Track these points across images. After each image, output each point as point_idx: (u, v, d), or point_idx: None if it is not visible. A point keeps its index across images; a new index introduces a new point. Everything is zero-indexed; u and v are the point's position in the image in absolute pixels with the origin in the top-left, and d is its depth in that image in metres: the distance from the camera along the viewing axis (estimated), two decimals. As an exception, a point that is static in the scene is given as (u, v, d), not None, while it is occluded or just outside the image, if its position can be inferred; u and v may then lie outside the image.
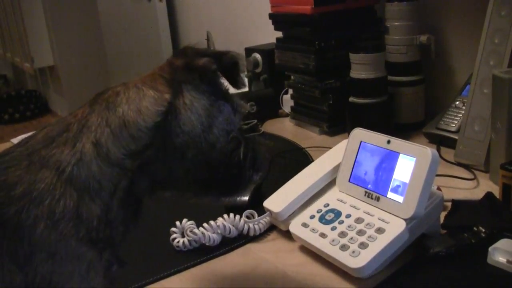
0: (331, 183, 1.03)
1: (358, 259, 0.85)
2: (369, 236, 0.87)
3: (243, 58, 0.74)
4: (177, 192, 0.75)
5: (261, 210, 1.05)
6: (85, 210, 0.61)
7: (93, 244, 0.62)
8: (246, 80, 1.97)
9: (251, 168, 0.76)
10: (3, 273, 0.57)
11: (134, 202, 0.69)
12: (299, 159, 1.39)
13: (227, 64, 0.73)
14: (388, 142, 0.93)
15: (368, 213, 0.91)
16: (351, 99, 1.45)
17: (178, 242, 1.00)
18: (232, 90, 0.76)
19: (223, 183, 0.74)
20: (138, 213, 0.71)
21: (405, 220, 0.86)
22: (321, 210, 0.98)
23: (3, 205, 0.58)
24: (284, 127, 1.71)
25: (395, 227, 0.86)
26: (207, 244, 0.99)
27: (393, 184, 0.90)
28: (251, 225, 1.03)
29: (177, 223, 1.03)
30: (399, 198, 0.88)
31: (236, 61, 0.74)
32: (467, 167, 1.24)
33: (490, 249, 0.86)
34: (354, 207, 0.94)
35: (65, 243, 0.59)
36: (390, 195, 0.90)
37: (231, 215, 1.03)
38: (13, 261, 0.57)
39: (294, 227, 0.98)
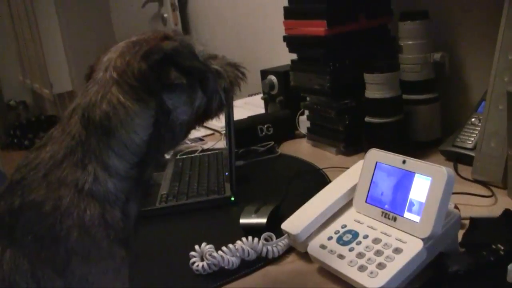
0: (348, 204, 1.03)
1: (376, 280, 0.85)
2: (387, 257, 0.87)
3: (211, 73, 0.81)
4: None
5: (279, 233, 1.06)
6: (109, 216, 0.68)
7: (122, 244, 0.69)
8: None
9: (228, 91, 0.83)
10: (44, 281, 0.63)
11: (142, 187, 0.76)
12: (317, 180, 1.39)
13: (199, 77, 0.78)
14: (404, 162, 0.93)
15: (385, 233, 0.92)
16: (367, 118, 1.46)
17: (198, 265, 1.01)
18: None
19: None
20: (146, 196, 0.79)
21: (422, 239, 0.87)
22: (339, 231, 0.98)
23: (38, 221, 0.65)
24: (301, 148, 1.71)
25: (413, 247, 0.87)
26: (226, 267, 1.00)
27: (409, 204, 0.90)
28: (269, 247, 1.03)
29: (196, 247, 1.04)
30: (416, 218, 0.88)
31: (205, 74, 0.79)
32: (484, 184, 1.24)
33: (509, 266, 0.85)
34: (371, 227, 0.95)
35: (98, 246, 0.66)
36: (407, 215, 0.90)
37: (250, 238, 1.03)
38: (52, 269, 0.64)
39: (312, 248, 0.99)
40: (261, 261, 1.03)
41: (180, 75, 0.73)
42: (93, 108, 0.72)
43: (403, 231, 0.90)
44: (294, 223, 1.03)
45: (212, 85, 0.80)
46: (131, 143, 0.72)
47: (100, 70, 0.75)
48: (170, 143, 0.79)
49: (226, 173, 1.42)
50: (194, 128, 0.82)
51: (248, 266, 1.02)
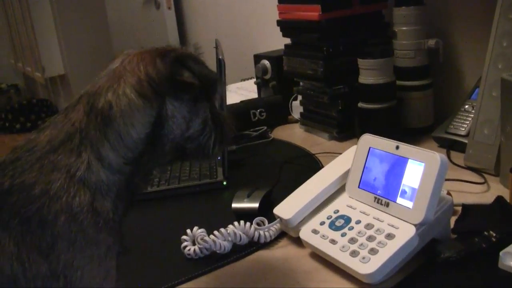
0: (341, 189, 1.03)
1: (368, 265, 0.85)
2: (379, 242, 0.87)
3: (220, 82, 0.85)
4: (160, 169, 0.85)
5: (272, 217, 1.06)
6: (99, 205, 0.69)
7: (110, 232, 0.69)
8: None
9: (216, 144, 0.86)
10: (29, 264, 0.63)
11: (130, 193, 0.76)
12: (309, 165, 1.39)
13: (207, 84, 0.80)
14: (397, 147, 0.93)
15: (377, 219, 0.92)
16: (360, 104, 1.45)
17: (189, 250, 1.01)
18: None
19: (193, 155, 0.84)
20: (133, 201, 0.78)
21: (414, 225, 0.86)
22: (331, 217, 0.98)
23: (26, 204, 0.65)
24: (293, 133, 1.71)
25: (405, 233, 0.86)
26: (218, 251, 1.00)
27: (402, 189, 0.90)
28: (261, 232, 1.03)
29: (188, 231, 1.03)
30: (409, 204, 0.88)
31: (215, 82, 0.83)
32: (477, 171, 1.24)
33: (501, 253, 0.86)
34: (363, 213, 0.95)
35: (84, 232, 0.66)
36: (400, 200, 0.90)
37: (242, 222, 1.03)
38: (38, 252, 0.64)
39: (304, 233, 0.98)
40: (253, 245, 1.03)
41: (193, 76, 0.76)
42: (98, 97, 0.73)
43: (395, 216, 0.90)
44: (287, 208, 1.03)
45: (218, 93, 0.84)
46: (126, 135, 0.72)
47: (115, 62, 0.77)
48: (158, 159, 0.79)
49: (219, 158, 1.42)
50: (174, 160, 0.83)
51: (240, 250, 1.01)
